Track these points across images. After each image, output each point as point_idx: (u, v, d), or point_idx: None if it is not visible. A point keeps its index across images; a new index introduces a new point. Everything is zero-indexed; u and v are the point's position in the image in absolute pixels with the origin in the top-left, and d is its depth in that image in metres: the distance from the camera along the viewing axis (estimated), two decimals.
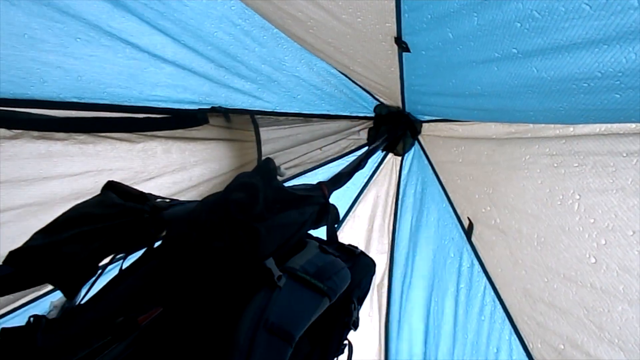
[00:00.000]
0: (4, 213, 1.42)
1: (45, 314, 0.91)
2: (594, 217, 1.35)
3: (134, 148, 1.66)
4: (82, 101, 1.48)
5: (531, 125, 1.56)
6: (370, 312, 2.56)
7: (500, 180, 1.75)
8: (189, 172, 1.86)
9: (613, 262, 1.31)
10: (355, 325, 1.17)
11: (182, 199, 1.79)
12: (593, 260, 1.37)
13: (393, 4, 1.16)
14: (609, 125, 1.27)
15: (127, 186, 1.11)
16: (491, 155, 1.79)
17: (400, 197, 2.41)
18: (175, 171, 1.81)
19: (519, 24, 0.93)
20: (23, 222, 1.47)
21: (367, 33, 1.39)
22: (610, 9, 0.75)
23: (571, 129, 1.40)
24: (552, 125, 1.46)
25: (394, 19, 1.23)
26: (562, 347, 1.59)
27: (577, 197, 1.39)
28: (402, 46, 1.36)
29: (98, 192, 1.09)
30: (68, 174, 1.53)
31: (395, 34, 1.31)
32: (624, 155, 1.23)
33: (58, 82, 1.39)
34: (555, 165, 1.46)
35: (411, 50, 1.37)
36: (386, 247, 2.52)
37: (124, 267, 1.02)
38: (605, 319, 1.38)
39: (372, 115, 2.28)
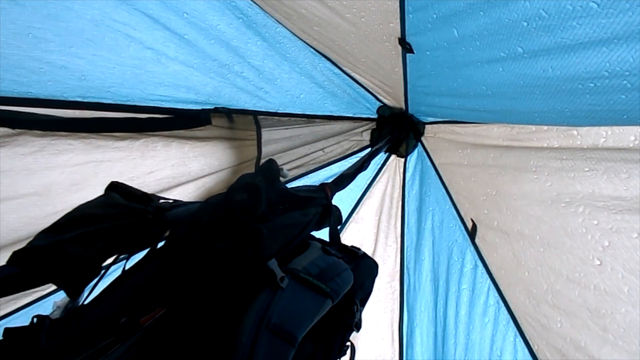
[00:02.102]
0: (5, 202, 1.43)
1: (48, 314, 0.91)
2: (597, 219, 1.34)
3: (135, 143, 1.66)
4: (86, 100, 1.49)
5: (534, 128, 1.56)
6: (382, 316, 2.56)
7: (505, 182, 1.74)
8: (188, 167, 1.86)
9: (618, 264, 1.30)
10: (357, 327, 1.17)
11: (180, 193, 1.80)
12: (597, 262, 1.36)
13: (397, 4, 1.16)
14: (617, 135, 1.27)
15: (130, 187, 1.11)
16: (498, 158, 1.78)
17: (405, 199, 2.41)
18: (175, 166, 1.81)
19: (525, 23, 0.92)
20: (24, 212, 1.48)
21: (371, 33, 1.39)
22: (619, 7, 0.75)
23: (578, 142, 1.40)
24: (555, 130, 1.46)
25: (398, 20, 1.23)
26: (566, 349, 1.58)
27: (585, 201, 1.38)
28: (406, 47, 1.36)
29: (98, 183, 1.09)
30: (69, 164, 1.53)
31: (399, 35, 1.31)
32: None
33: (61, 82, 1.39)
34: (566, 169, 1.45)
35: (415, 51, 1.36)
36: (394, 249, 2.51)
37: (127, 268, 1.02)
38: (609, 320, 1.37)
39: (375, 116, 2.27)
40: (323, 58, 1.81)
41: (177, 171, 1.83)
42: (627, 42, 0.80)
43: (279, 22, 1.59)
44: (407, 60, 1.50)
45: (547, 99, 1.14)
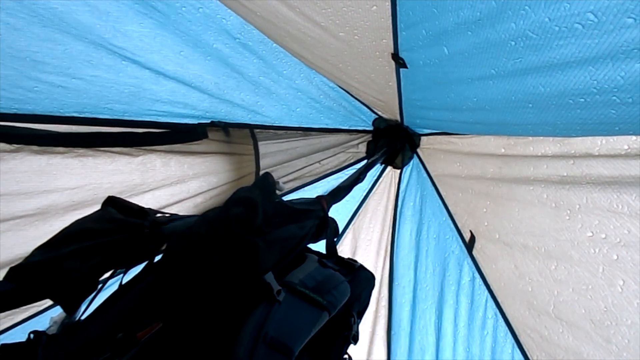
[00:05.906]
0: (3, 223, 1.43)
1: (45, 329, 0.91)
2: (605, 232, 1.35)
3: (133, 161, 1.67)
4: (82, 116, 1.50)
5: (531, 138, 1.57)
6: (372, 325, 2.54)
7: (504, 194, 1.75)
8: (187, 184, 1.87)
9: (628, 276, 1.31)
10: (355, 339, 1.16)
11: (179, 210, 1.80)
12: (607, 275, 1.36)
13: (389, 21, 1.18)
14: (611, 144, 1.29)
15: (127, 201, 1.12)
16: (497, 171, 1.79)
17: (398, 210, 2.41)
18: (174, 184, 1.82)
19: (513, 42, 0.94)
20: (22, 232, 1.48)
21: (364, 50, 1.41)
22: (603, 28, 0.77)
23: (573, 150, 1.41)
24: (551, 139, 1.48)
25: (391, 36, 1.25)
26: None
27: (584, 211, 1.40)
28: (399, 62, 1.38)
29: (97, 204, 1.09)
30: (67, 186, 1.54)
31: (392, 50, 1.33)
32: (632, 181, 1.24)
33: (59, 99, 1.41)
34: (562, 182, 1.46)
35: (408, 66, 1.38)
36: (382, 259, 2.51)
37: (123, 282, 1.02)
38: (614, 332, 1.37)
39: (371, 128, 2.29)
40: (318, 72, 1.84)
41: (176, 189, 1.84)
42: (613, 61, 0.82)
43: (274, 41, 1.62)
44: (401, 75, 1.52)
45: (539, 112, 1.15)
